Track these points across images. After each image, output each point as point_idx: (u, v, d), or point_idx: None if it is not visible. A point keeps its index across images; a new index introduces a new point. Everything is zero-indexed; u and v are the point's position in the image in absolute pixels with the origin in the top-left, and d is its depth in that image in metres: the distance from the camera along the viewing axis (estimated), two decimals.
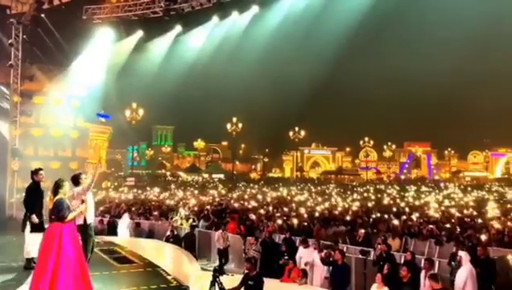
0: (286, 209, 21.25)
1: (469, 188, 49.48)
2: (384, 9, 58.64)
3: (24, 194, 9.01)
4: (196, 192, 37.61)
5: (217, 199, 29.30)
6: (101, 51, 27.46)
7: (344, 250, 10.89)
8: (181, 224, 16.37)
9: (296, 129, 69.69)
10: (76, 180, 7.59)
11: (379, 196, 35.01)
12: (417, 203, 27.69)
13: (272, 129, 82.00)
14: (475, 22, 79.29)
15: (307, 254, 10.68)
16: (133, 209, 20.72)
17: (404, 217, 18.44)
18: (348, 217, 17.76)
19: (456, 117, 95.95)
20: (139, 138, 79.87)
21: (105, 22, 26.45)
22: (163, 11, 24.83)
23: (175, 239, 14.40)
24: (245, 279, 8.15)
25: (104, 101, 34.05)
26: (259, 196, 31.93)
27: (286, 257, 11.16)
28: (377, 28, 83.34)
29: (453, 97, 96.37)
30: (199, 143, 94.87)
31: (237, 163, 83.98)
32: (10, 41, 21.43)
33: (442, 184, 60.20)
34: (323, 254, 10.32)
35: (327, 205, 25.11)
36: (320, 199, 30.08)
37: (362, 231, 13.64)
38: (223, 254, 13.36)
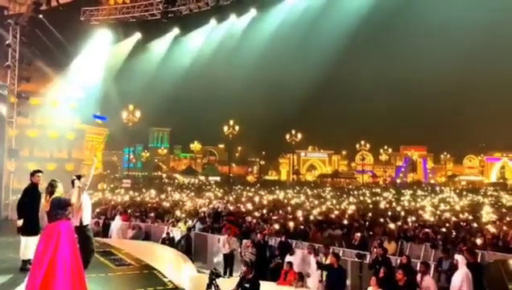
0: (282, 212, 21.27)
1: (465, 193, 49.66)
2: (380, 14, 58.98)
3: (20, 195, 8.98)
4: (193, 194, 37.56)
5: (214, 201, 29.28)
6: (99, 53, 27.46)
7: (340, 253, 10.92)
8: (178, 226, 16.36)
9: (293, 132, 69.67)
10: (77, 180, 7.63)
11: (375, 199, 35.08)
12: (413, 207, 27.77)
13: (269, 132, 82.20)
14: (472, 27, 79.83)
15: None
16: (129, 211, 20.67)
17: (400, 221, 18.52)
18: (344, 221, 17.81)
19: (452, 121, 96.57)
20: (135, 139, 79.83)
21: (103, 23, 26.46)
22: (161, 14, 24.87)
23: (171, 241, 14.40)
24: (241, 282, 8.16)
25: (101, 103, 34.02)
26: (256, 199, 31.92)
27: (279, 259, 11.20)
28: (374, 33, 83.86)
29: (450, 102, 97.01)
30: (195, 146, 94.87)
31: (234, 165, 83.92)
32: (7, 42, 21.36)
33: (438, 188, 60.40)
34: (318, 257, 10.37)
35: (323, 208, 25.17)
36: (316, 202, 30.11)
37: (358, 235, 13.69)
38: (228, 260, 13.15)
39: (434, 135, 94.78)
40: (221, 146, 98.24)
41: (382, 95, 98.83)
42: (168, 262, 11.30)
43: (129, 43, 28.70)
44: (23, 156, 26.25)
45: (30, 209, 8.61)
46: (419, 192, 47.51)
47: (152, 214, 19.74)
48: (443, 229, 15.68)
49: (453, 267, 9.00)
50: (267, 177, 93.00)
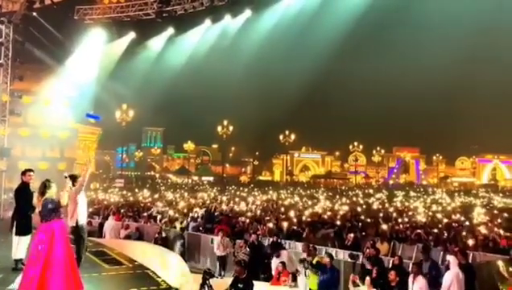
0: (275, 213, 21.32)
1: (457, 194, 50.04)
2: (375, 16, 59.28)
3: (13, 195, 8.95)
4: (186, 194, 37.50)
5: (207, 202, 29.28)
6: (93, 52, 27.35)
7: (333, 253, 10.97)
8: (174, 226, 16.35)
9: (287, 132, 69.82)
10: (73, 180, 7.62)
11: (368, 200, 35.26)
12: (405, 208, 27.93)
13: (262, 132, 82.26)
14: (465, 30, 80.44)
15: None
16: (122, 210, 20.61)
17: (392, 222, 18.63)
18: (337, 221, 17.88)
19: (445, 123, 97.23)
20: (129, 139, 79.46)
21: (97, 22, 26.36)
22: (155, 13, 24.83)
23: (163, 241, 14.38)
24: (235, 282, 8.18)
25: (94, 102, 33.84)
26: (249, 199, 31.95)
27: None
28: (368, 34, 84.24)
29: (442, 104, 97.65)
30: (189, 145, 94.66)
31: (227, 165, 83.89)
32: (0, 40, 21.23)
33: (430, 190, 60.82)
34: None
35: (316, 208, 25.26)
36: (309, 203, 30.19)
37: (351, 235, 13.76)
38: (222, 261, 13.12)
39: (426, 137, 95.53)
40: (215, 146, 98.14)
41: (376, 96, 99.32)
42: (161, 261, 11.28)
43: (123, 42, 28.63)
44: (15, 155, 26.06)
45: (21, 208, 8.57)
46: (412, 194, 47.79)
47: (145, 214, 19.71)
48: (435, 230, 15.80)
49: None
50: (261, 177, 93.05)
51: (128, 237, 15.91)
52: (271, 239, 13.04)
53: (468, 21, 75.19)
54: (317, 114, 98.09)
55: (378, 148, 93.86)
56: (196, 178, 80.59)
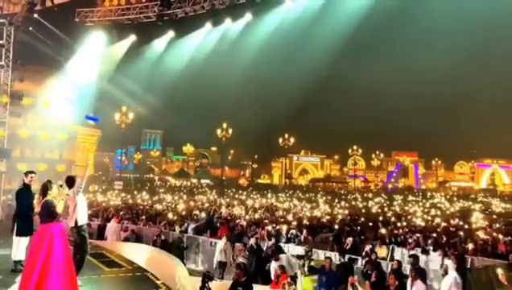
0: (274, 216, 21.33)
1: (455, 198, 50.06)
2: (375, 20, 59.36)
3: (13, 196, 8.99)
4: (185, 197, 37.49)
5: (206, 205, 29.29)
6: (93, 55, 27.40)
7: (332, 257, 10.99)
8: (173, 229, 16.36)
9: (286, 136, 69.89)
10: (71, 183, 7.64)
11: (367, 204, 35.28)
12: (404, 212, 27.96)
13: (262, 135, 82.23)
14: (465, 35, 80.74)
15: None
16: (121, 213, 20.60)
17: (391, 226, 18.67)
18: (335, 225, 17.91)
19: (444, 127, 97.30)
20: (128, 141, 79.41)
21: (98, 25, 26.41)
22: (156, 16, 24.89)
23: (162, 244, 14.37)
24: (234, 286, 8.19)
25: (94, 104, 33.85)
26: (248, 203, 31.95)
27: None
28: (367, 39, 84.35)
29: (441, 108, 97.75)
30: (188, 148, 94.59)
31: (226, 168, 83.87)
32: (0, 42, 21.28)
33: (429, 194, 60.84)
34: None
35: (315, 212, 25.29)
36: (308, 206, 30.21)
37: (350, 239, 13.78)
38: (223, 266, 12.96)
39: (425, 141, 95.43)
40: (214, 149, 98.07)
41: (375, 100, 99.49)
42: (160, 264, 11.29)
43: (123, 45, 28.69)
44: (14, 157, 26.09)
45: (22, 210, 8.59)
46: (410, 198, 47.81)
47: (144, 217, 19.70)
48: (434, 235, 15.82)
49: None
50: (260, 181, 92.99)
51: (127, 239, 15.92)
52: (270, 243, 13.06)
53: (468, 26, 75.44)
54: (316, 118, 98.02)
55: (377, 152, 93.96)
56: (194, 181, 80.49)
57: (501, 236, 15.59)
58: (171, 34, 28.75)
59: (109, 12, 26.14)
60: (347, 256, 11.48)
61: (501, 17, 71.21)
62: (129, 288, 7.95)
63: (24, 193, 8.59)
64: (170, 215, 19.83)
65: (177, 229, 16.36)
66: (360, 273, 10.23)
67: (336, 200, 38.06)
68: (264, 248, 12.89)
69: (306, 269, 9.85)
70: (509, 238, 15.51)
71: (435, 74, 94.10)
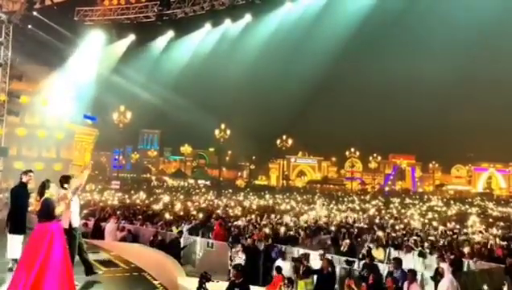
0: (271, 217, 21.33)
1: (452, 202, 50.16)
2: (375, 22, 59.51)
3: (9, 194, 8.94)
4: (182, 197, 37.44)
5: (203, 205, 29.29)
6: (92, 53, 27.37)
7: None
8: (170, 230, 16.34)
9: (284, 137, 69.89)
10: (65, 182, 7.61)
11: (364, 206, 35.31)
12: (401, 215, 27.99)
13: (260, 136, 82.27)
14: (463, 39, 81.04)
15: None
16: (118, 212, 20.54)
17: (388, 228, 18.70)
18: (332, 227, 17.92)
19: (441, 130, 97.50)
20: (125, 141, 79.23)
21: (97, 24, 26.39)
22: (155, 16, 24.91)
23: (159, 244, 14.34)
24: (231, 286, 8.18)
25: (92, 103, 33.82)
26: (245, 204, 31.94)
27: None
28: (367, 41, 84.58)
29: (439, 111, 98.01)
30: (186, 149, 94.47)
31: (224, 169, 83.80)
32: None
33: (425, 197, 60.94)
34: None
35: (312, 214, 25.31)
36: (305, 208, 30.23)
37: (347, 241, 13.80)
38: None
39: (423, 144, 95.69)
40: (212, 149, 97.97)
41: (373, 103, 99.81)
42: (157, 264, 11.28)
43: (122, 44, 28.68)
44: (10, 155, 26.01)
45: (17, 208, 8.57)
46: (407, 201, 47.87)
47: (141, 216, 19.65)
48: (431, 238, 15.85)
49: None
50: (257, 182, 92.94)
51: (123, 239, 15.88)
52: (267, 243, 13.07)
53: (466, 30, 75.69)
54: (314, 120, 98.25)
55: (375, 155, 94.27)
56: (192, 181, 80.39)
57: (497, 240, 15.63)
58: (170, 34, 28.78)
59: (109, 11, 26.14)
60: (344, 258, 11.46)
61: (502, 16, 71.41)
62: (126, 289, 7.93)
63: (20, 192, 8.56)
64: (167, 215, 19.79)
65: (174, 229, 16.34)
66: (357, 275, 10.22)
67: (334, 202, 38.08)
68: (261, 249, 12.90)
69: (301, 272, 9.89)
70: (506, 242, 15.56)
71: (434, 77, 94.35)
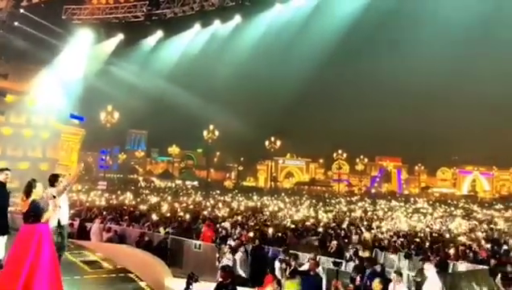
0: (259, 219, 21.36)
1: (437, 204, 50.73)
2: (365, 24, 59.95)
3: None
4: (169, 198, 37.25)
5: (191, 206, 29.20)
6: (80, 52, 27.11)
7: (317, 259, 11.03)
8: (157, 231, 16.24)
9: (272, 139, 69.96)
10: (54, 181, 7.52)
11: (351, 208, 35.54)
12: (388, 216, 28.23)
13: (248, 138, 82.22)
14: (450, 43, 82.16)
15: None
16: (104, 213, 20.37)
17: (375, 230, 18.85)
18: (319, 229, 18.01)
19: (427, 133, 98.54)
20: (112, 141, 78.58)
21: (85, 23, 26.15)
22: (144, 16, 24.78)
23: (146, 245, 14.26)
24: (218, 287, 8.16)
25: (79, 103, 33.44)
26: (233, 205, 31.92)
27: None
28: (355, 44, 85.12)
29: (425, 114, 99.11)
30: (173, 149, 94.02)
31: (212, 170, 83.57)
32: None
33: (411, 199, 61.55)
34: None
35: (300, 215, 25.41)
36: (293, 209, 30.32)
37: (334, 243, 13.88)
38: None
39: (409, 147, 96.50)
40: (200, 150, 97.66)
41: (361, 106, 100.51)
42: (144, 265, 11.20)
43: (111, 43, 28.45)
44: None
45: None
46: (394, 203, 48.30)
47: (127, 217, 19.51)
48: (417, 239, 16.03)
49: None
50: (245, 183, 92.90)
51: (110, 240, 15.75)
52: (255, 245, 13.07)
53: (453, 32, 76.65)
54: (303, 121, 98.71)
55: (362, 157, 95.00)
56: (179, 182, 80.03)
57: (482, 241, 15.85)
58: (159, 34, 28.63)
59: (97, 10, 25.93)
60: (331, 259, 11.53)
61: (489, 17, 72.45)
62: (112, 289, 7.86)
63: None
64: (154, 216, 19.68)
65: (161, 230, 16.26)
66: (344, 276, 10.28)
67: (321, 204, 38.25)
68: (249, 251, 12.89)
69: (287, 272, 9.91)
70: (490, 244, 15.80)
71: (420, 80, 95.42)
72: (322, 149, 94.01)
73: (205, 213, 23.78)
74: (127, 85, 40.52)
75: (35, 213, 6.19)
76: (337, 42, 52.72)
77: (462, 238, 16.83)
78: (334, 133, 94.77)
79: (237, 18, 27.68)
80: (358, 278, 9.25)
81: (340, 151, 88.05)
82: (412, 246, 14.28)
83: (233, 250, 11.99)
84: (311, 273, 9.51)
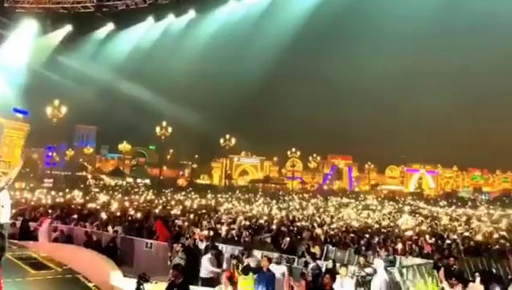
0: (213, 217, 21.23)
1: (386, 201, 52.62)
2: (320, 22, 60.90)
3: None
4: (120, 196, 36.25)
5: (143, 205, 28.57)
6: (24, 43, 25.70)
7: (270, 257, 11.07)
8: (106, 230, 15.74)
9: (227, 136, 69.78)
10: None
11: (304, 205, 36.10)
12: (339, 213, 28.91)
13: (202, 135, 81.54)
14: (401, 43, 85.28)
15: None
16: (50, 211, 19.50)
17: (326, 226, 19.24)
18: (273, 226, 18.14)
19: (377, 133, 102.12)
20: (59, 137, 75.42)
21: (30, 12, 24.82)
22: (94, 7, 23.89)
23: (95, 245, 13.77)
24: (170, 287, 8.00)
25: (23, 96, 31.75)
26: (187, 203, 31.54)
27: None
28: (309, 44, 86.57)
29: (375, 115, 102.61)
30: (124, 146, 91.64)
31: (165, 168, 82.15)
32: None
33: (361, 196, 63.52)
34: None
35: (254, 212, 25.50)
36: (247, 207, 30.39)
37: (287, 239, 14.03)
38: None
39: (359, 146, 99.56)
40: (152, 147, 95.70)
41: (314, 104, 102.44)
42: (93, 266, 10.79)
43: (58, 34, 27.19)
44: None
45: None
46: (345, 200, 49.58)
47: (75, 216, 18.77)
48: (367, 235, 16.49)
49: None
50: (199, 181, 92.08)
51: (56, 239, 15.07)
52: (208, 243, 12.96)
53: (404, 31, 79.40)
54: (258, 119, 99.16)
55: (314, 155, 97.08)
56: (130, 180, 78.16)
57: (427, 236, 16.56)
58: (110, 26, 27.68)
59: None
60: (284, 256, 11.61)
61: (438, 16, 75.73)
62: None
63: None
64: (103, 215, 19.05)
65: (110, 229, 15.81)
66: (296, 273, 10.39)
67: (275, 202, 38.58)
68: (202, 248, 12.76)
69: (239, 269, 9.91)
70: (434, 239, 16.55)
71: (371, 80, 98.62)
72: (276, 147, 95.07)
73: (157, 211, 23.34)
74: (76, 79, 38.94)
75: None
76: (291, 41, 53.36)
77: (409, 233, 17.50)
78: (288, 131, 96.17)
79: (191, 13, 27.32)
80: (309, 273, 9.37)
81: (293, 150, 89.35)
82: (362, 242, 14.67)
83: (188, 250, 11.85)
84: (264, 270, 9.53)
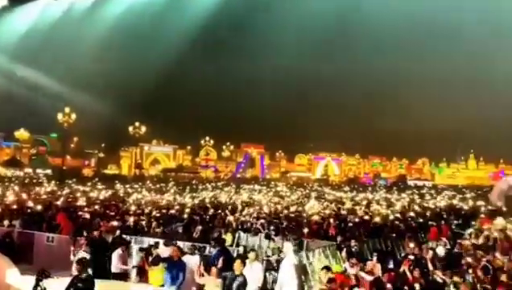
0: (121, 207, 20.49)
1: (295, 187, 54.79)
2: (233, 12, 61.09)
3: None
4: (17, 188, 33.35)
5: (44, 196, 26.63)
6: None
7: (182, 246, 10.98)
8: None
9: (137, 124, 67.35)
10: None
11: (217, 193, 36.26)
12: (251, 200, 29.48)
13: (109, 122, 77.88)
14: (320, 25, 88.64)
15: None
16: None
17: (238, 213, 19.54)
18: (184, 215, 17.98)
19: (287, 123, 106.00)
20: None
21: None
22: None
23: None
24: (74, 282, 7.59)
25: None
26: (93, 194, 29.98)
27: None
28: (223, 28, 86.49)
29: (285, 103, 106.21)
30: (21, 134, 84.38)
31: (68, 157, 77.08)
32: None
33: (272, 183, 65.39)
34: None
35: (164, 202, 25.06)
36: (158, 197, 29.75)
37: (199, 227, 14.01)
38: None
39: (271, 134, 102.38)
40: (54, 135, 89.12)
41: (226, 93, 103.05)
42: None
43: None
44: None
45: None
46: (257, 187, 50.71)
47: None
48: (276, 221, 17.03)
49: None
50: (106, 171, 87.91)
51: None
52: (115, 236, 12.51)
53: (326, 15, 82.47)
54: (170, 107, 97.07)
55: (228, 144, 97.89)
56: (29, 170, 72.38)
57: (331, 220, 17.54)
58: (3, 1, 25.12)
59: None
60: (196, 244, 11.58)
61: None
62: None
63: None
64: None
65: (6, 223, 14.58)
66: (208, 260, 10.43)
67: (187, 190, 38.22)
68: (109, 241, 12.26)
69: (150, 260, 9.87)
70: (337, 222, 17.60)
71: (283, 71, 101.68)
72: (190, 136, 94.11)
73: (59, 203, 21.90)
74: None
75: None
76: (204, 27, 52.90)
77: (315, 218, 18.39)
78: (202, 119, 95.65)
79: None
80: (220, 261, 9.48)
81: (207, 138, 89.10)
82: (272, 227, 15.11)
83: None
84: (175, 259, 9.45)
